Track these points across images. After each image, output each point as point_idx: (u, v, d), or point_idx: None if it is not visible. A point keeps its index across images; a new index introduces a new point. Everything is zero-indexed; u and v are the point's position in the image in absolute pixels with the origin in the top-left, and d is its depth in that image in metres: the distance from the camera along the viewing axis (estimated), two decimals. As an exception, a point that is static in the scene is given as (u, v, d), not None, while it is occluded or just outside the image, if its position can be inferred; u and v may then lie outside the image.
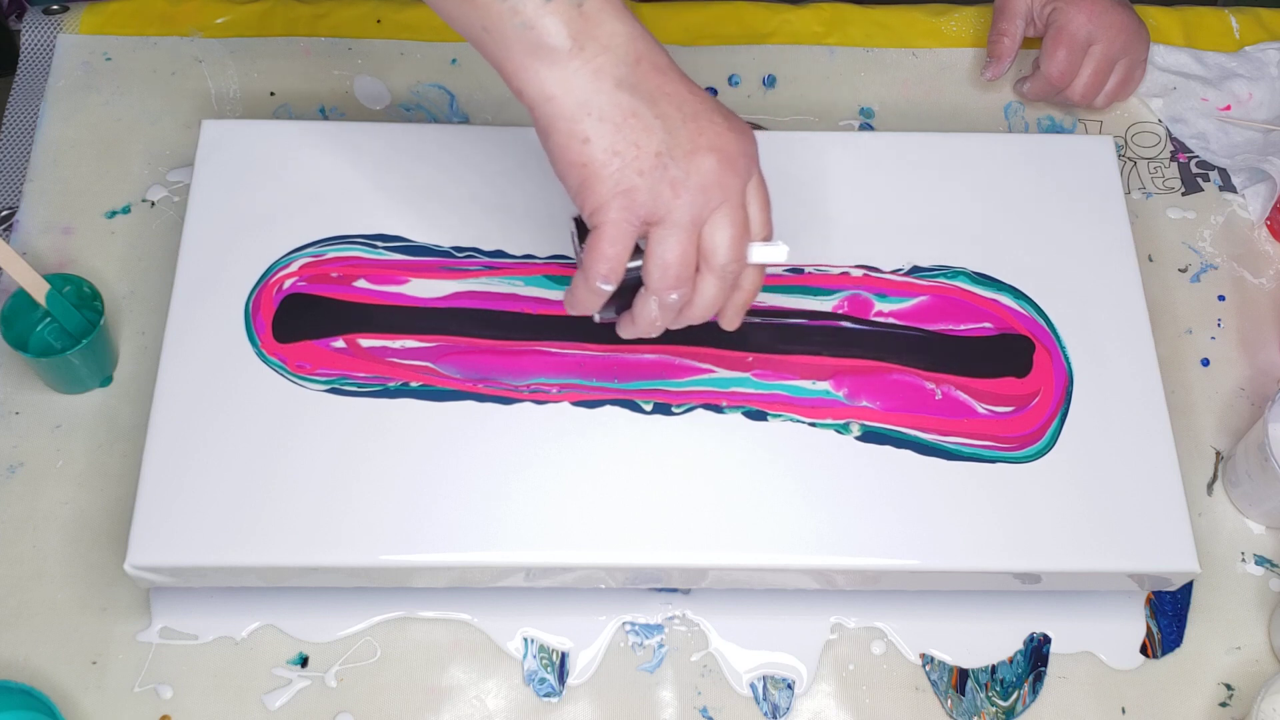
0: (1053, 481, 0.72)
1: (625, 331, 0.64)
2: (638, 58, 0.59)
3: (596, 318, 0.64)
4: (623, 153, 0.58)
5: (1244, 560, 0.78)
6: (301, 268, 0.76)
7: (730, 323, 0.65)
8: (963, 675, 0.74)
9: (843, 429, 0.73)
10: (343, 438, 0.71)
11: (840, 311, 0.76)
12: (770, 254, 0.63)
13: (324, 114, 0.89)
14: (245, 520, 0.68)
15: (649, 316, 0.62)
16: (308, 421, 0.71)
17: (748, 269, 0.63)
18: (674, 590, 0.75)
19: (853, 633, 0.75)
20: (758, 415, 0.73)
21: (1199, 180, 0.91)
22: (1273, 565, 0.78)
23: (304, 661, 0.73)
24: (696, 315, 0.63)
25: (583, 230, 0.62)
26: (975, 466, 0.72)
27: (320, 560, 0.68)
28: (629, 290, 0.62)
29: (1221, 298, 0.86)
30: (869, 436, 0.73)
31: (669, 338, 0.74)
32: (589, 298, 0.62)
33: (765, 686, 0.73)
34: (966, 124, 0.92)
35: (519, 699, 0.72)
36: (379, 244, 0.77)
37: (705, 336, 0.75)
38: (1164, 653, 0.75)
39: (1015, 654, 0.75)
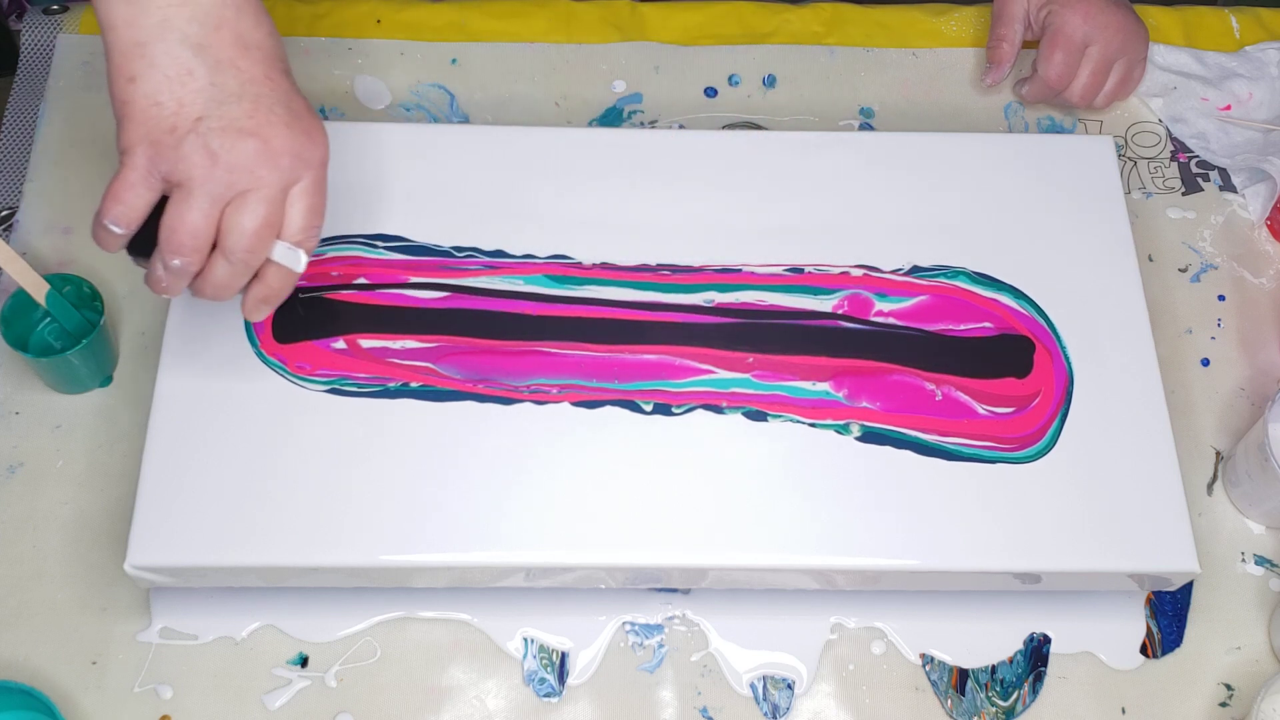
0: (1053, 482, 0.72)
1: (147, 284, 0.64)
2: (219, 24, 0.60)
3: (133, 262, 0.65)
4: (164, 104, 0.59)
5: (1244, 560, 0.78)
6: (301, 268, 0.76)
7: (250, 313, 0.66)
8: (963, 675, 0.74)
9: (843, 429, 0.73)
10: (343, 438, 0.71)
11: (840, 311, 0.76)
12: (285, 256, 0.63)
13: (324, 114, 0.89)
14: (245, 520, 0.68)
15: (155, 274, 0.63)
16: (308, 422, 0.71)
17: (272, 265, 0.63)
18: (674, 590, 0.75)
19: (853, 633, 0.75)
20: (758, 416, 0.73)
21: (1199, 180, 0.91)
22: (1273, 565, 0.78)
23: (304, 661, 0.73)
24: (207, 292, 0.63)
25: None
26: (975, 467, 0.72)
27: (320, 560, 0.68)
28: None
29: (1221, 298, 0.86)
30: (869, 437, 0.72)
31: (668, 338, 0.74)
32: (102, 235, 0.62)
33: (765, 686, 0.73)
34: (966, 124, 0.92)
35: (519, 699, 0.72)
36: (379, 244, 0.77)
37: (705, 337, 0.75)
38: (1164, 653, 0.75)
39: (1015, 654, 0.75)
